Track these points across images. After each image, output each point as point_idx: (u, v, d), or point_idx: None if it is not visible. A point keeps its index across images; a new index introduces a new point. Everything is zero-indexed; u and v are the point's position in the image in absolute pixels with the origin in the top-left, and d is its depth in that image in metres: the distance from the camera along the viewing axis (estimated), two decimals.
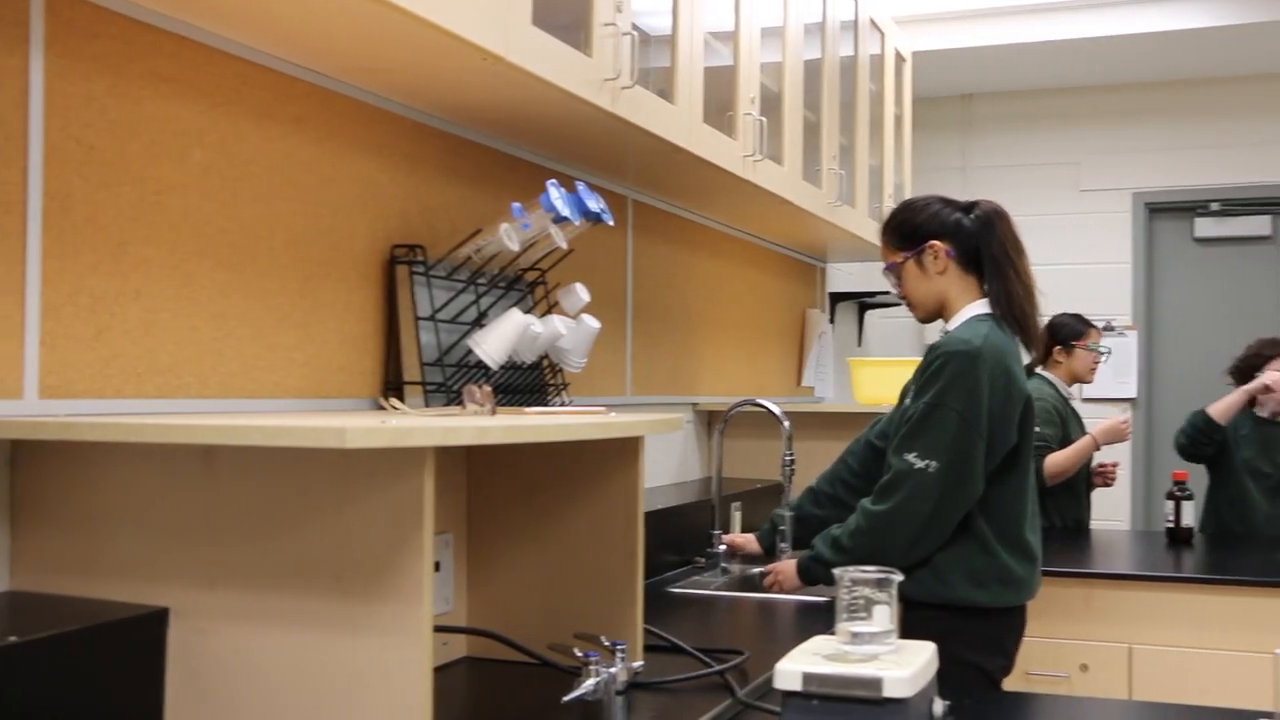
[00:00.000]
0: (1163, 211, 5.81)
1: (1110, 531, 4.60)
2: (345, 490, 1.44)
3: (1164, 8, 4.90)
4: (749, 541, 3.00)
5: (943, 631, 2.43)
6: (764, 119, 3.13)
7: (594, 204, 2.25)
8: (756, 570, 2.86)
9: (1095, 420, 4.19)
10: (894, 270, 2.62)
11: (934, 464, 2.38)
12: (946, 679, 2.14)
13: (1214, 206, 5.71)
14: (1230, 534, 4.37)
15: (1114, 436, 4.14)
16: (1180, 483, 4.23)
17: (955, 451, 2.39)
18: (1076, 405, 4.35)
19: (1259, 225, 5.67)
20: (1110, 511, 5.05)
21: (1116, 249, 5.80)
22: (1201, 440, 4.33)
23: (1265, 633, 3.33)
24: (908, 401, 2.53)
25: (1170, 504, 4.22)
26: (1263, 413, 4.35)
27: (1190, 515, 4.20)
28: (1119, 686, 3.46)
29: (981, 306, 2.55)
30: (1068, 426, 4.18)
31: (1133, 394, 5.72)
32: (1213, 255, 5.77)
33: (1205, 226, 5.74)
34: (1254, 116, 5.61)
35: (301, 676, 1.45)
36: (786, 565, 2.67)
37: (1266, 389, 4.21)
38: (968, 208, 2.56)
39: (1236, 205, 5.69)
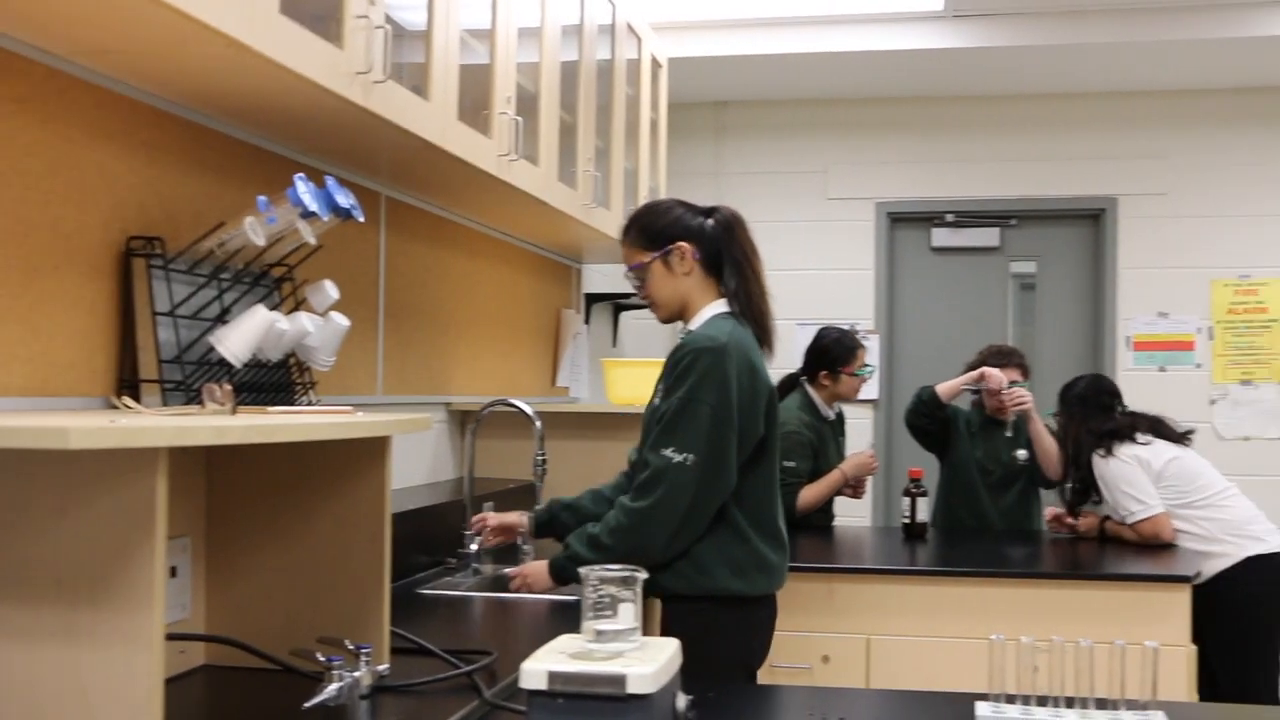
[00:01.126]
0: (903, 221, 6.10)
1: (852, 527, 4.79)
2: (70, 494, 1.36)
3: (906, 28, 5.14)
4: (519, 521, 2.92)
5: (705, 624, 2.49)
6: (520, 119, 3.13)
7: (344, 199, 2.21)
8: (506, 570, 2.83)
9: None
10: (640, 270, 2.65)
11: (691, 457, 2.44)
12: (708, 672, 2.19)
13: (949, 217, 6.02)
14: (961, 528, 4.61)
15: (862, 470, 4.37)
16: (916, 480, 4.44)
17: (711, 444, 2.45)
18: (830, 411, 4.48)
19: (989, 236, 6.02)
20: (852, 508, 5.26)
21: (861, 256, 6.05)
22: (923, 412, 4.54)
23: (988, 619, 3.54)
24: (658, 400, 2.57)
25: (906, 500, 4.43)
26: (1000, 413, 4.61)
27: (925, 510, 4.42)
28: (857, 676, 3.61)
29: (721, 305, 2.63)
30: (820, 456, 4.33)
31: (874, 395, 5.98)
32: (948, 263, 6.08)
33: (941, 236, 6.05)
34: (986, 134, 5.95)
35: (22, 692, 1.37)
36: (536, 566, 2.65)
37: (982, 377, 4.45)
38: (708, 212, 2.65)
39: (969, 217, 6.02)
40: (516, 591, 2.70)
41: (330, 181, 2.20)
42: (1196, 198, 5.80)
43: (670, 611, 2.54)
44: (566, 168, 3.66)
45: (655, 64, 4.85)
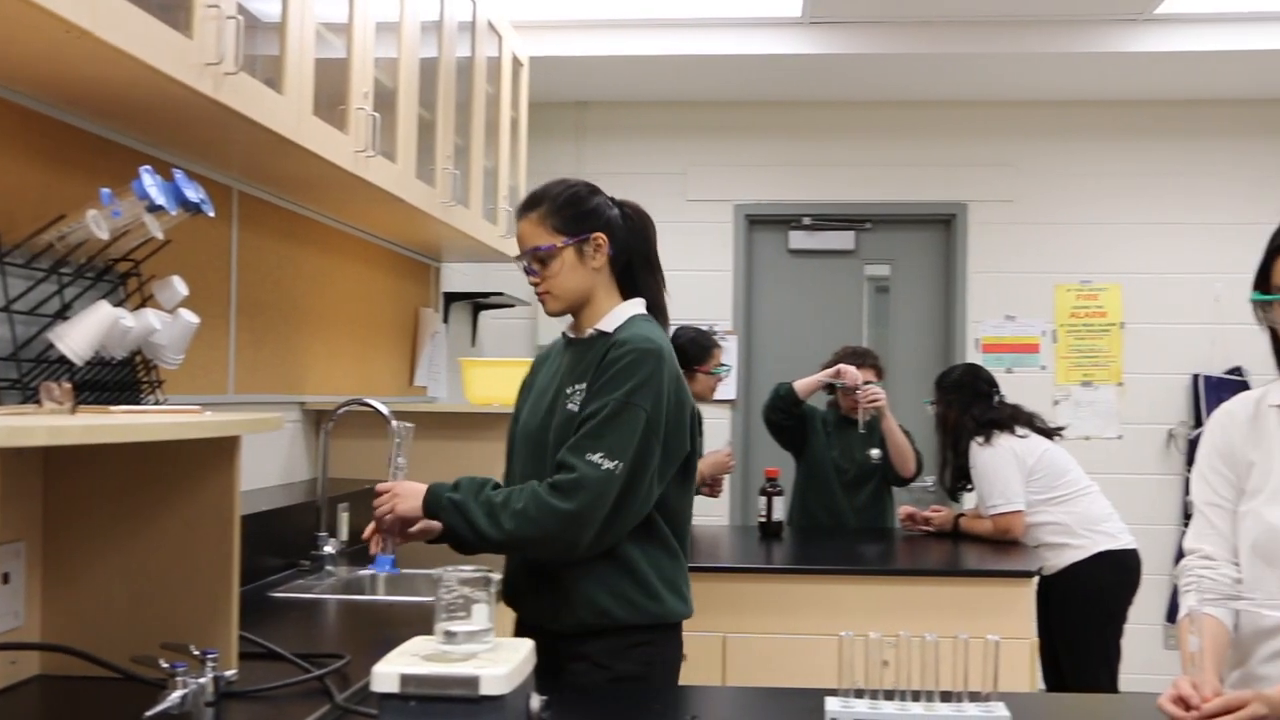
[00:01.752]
0: (761, 223, 6.18)
1: (709, 526, 4.84)
2: None
3: (765, 33, 5.21)
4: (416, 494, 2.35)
5: (651, 656, 2.32)
6: (377, 115, 3.09)
7: (193, 193, 2.15)
8: (378, 485, 2.38)
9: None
10: (546, 254, 2.36)
11: (620, 465, 2.22)
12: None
13: (806, 221, 6.12)
14: (817, 526, 4.70)
15: (719, 470, 4.44)
16: (772, 479, 4.51)
17: (639, 454, 2.24)
18: None
19: (844, 239, 6.13)
20: (709, 507, 5.31)
21: (719, 257, 6.11)
22: (781, 408, 4.62)
23: (842, 616, 3.61)
24: (577, 398, 2.32)
25: (763, 499, 4.50)
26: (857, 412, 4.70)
27: (780, 510, 4.49)
28: (714, 674, 3.65)
29: (639, 307, 2.44)
30: None
31: (732, 395, 6.04)
32: (805, 266, 6.18)
33: (798, 239, 6.15)
34: (843, 140, 6.06)
35: None
36: (411, 487, 2.33)
37: (839, 373, 4.54)
38: (618, 205, 2.48)
39: (826, 220, 6.12)
40: (378, 511, 2.34)
41: (179, 175, 2.14)
42: (1041, 205, 6.00)
43: (610, 646, 2.29)
44: (425, 165, 3.62)
45: (516, 62, 4.83)
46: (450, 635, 1.58)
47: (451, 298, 5.29)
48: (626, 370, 2.28)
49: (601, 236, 2.40)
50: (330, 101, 2.88)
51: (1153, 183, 5.96)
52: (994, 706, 1.68)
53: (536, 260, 2.39)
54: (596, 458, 2.22)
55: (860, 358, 4.65)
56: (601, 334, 2.39)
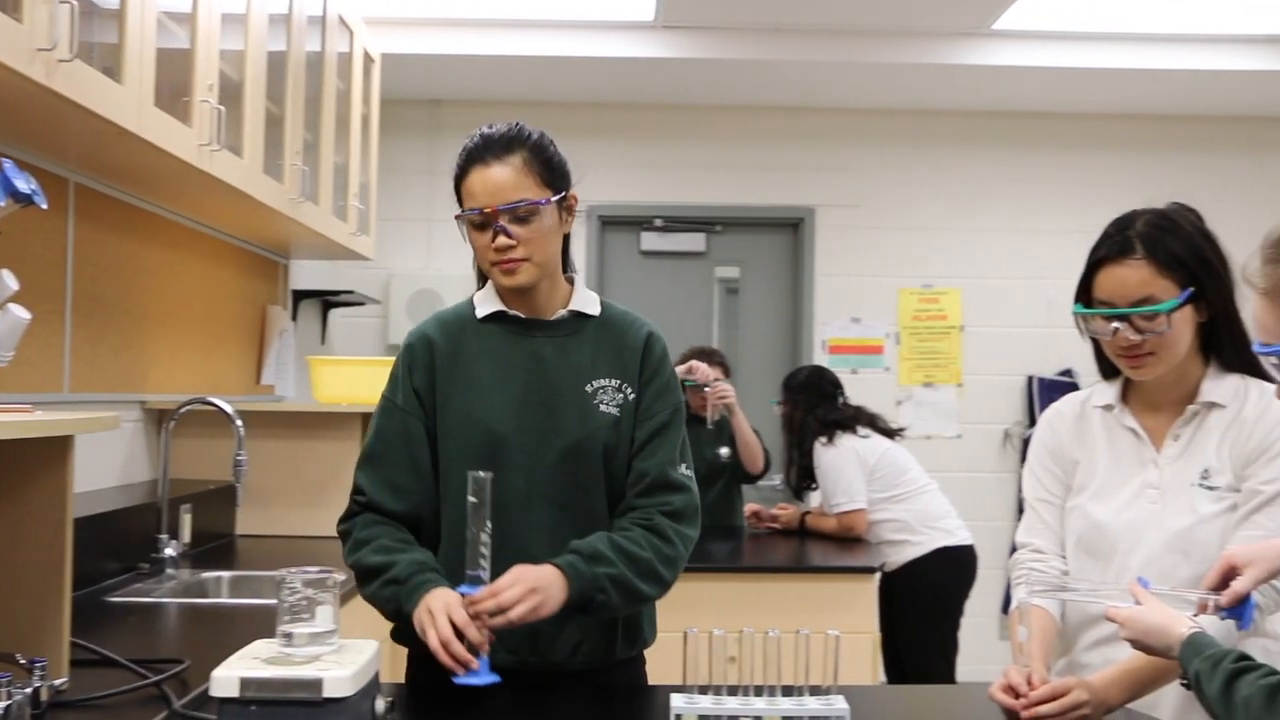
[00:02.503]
0: (613, 224, 6.21)
1: None
2: None
3: (618, 35, 5.24)
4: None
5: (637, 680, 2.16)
6: (223, 108, 3.02)
7: (24, 185, 2.07)
8: (480, 587, 1.84)
9: None
10: (531, 210, 1.97)
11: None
12: None
13: (658, 222, 6.17)
14: None
15: None
16: None
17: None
18: None
19: (695, 241, 6.20)
20: None
21: (574, 258, 6.11)
22: None
23: (688, 613, 3.64)
24: (603, 396, 2.04)
25: None
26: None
27: None
28: None
29: (588, 289, 2.16)
30: None
31: None
32: (656, 267, 6.23)
33: (650, 240, 6.20)
34: (694, 143, 6.12)
35: None
36: (545, 577, 1.85)
37: (691, 370, 4.59)
38: None
39: (677, 222, 6.18)
40: (512, 616, 1.81)
41: (8, 165, 2.06)
42: (886, 211, 6.15)
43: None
44: (273, 160, 3.55)
45: (368, 59, 4.77)
46: (295, 637, 1.56)
47: (300, 295, 5.20)
48: (669, 364, 2.11)
49: (575, 197, 2.08)
50: (173, 93, 2.81)
51: (991, 190, 6.16)
52: (833, 699, 1.73)
53: (516, 218, 1.96)
54: (687, 470, 2.06)
55: (708, 356, 4.71)
56: (580, 315, 2.09)
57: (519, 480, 1.98)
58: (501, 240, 1.96)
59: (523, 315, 2.06)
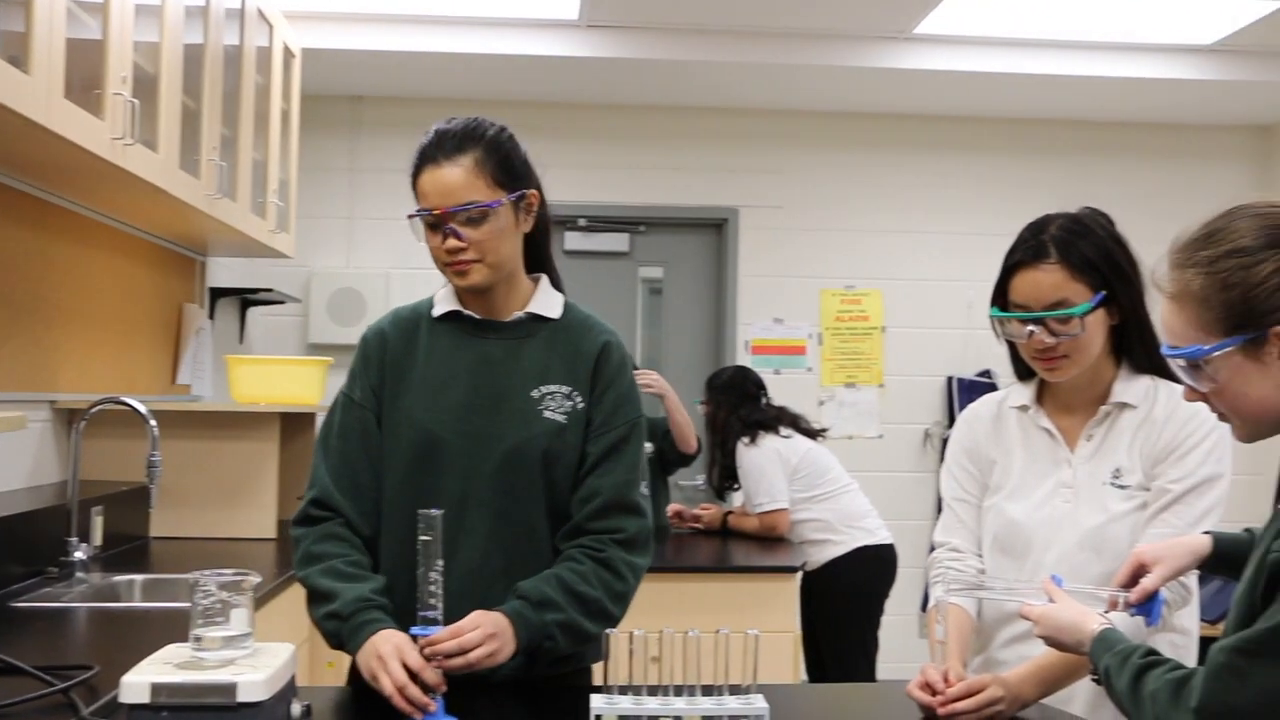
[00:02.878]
0: None
1: None
2: None
3: (542, 34, 5.21)
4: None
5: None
6: (137, 101, 2.96)
7: None
8: (433, 632, 1.78)
9: None
10: (481, 214, 1.93)
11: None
12: None
13: (581, 222, 6.16)
14: None
15: None
16: None
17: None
18: None
19: (619, 242, 6.20)
20: None
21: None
22: None
23: None
24: (550, 403, 1.98)
25: None
26: None
27: None
28: None
29: (549, 285, 2.11)
30: None
31: None
32: (580, 267, 6.21)
33: (574, 240, 6.18)
34: (619, 143, 6.12)
35: None
36: (496, 623, 1.82)
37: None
38: None
39: (601, 222, 6.18)
40: (469, 660, 1.78)
41: None
42: (809, 212, 6.19)
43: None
44: (189, 156, 3.49)
45: (288, 53, 4.70)
46: (206, 641, 1.53)
47: (218, 293, 5.12)
48: (629, 376, 2.05)
49: (536, 195, 2.04)
50: (85, 85, 2.74)
51: (912, 193, 6.23)
52: (753, 699, 1.73)
53: (467, 220, 1.94)
54: (645, 490, 2.01)
55: None
56: (537, 317, 2.05)
57: (455, 484, 1.95)
58: (452, 243, 1.93)
59: (477, 316, 2.04)
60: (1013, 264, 2.04)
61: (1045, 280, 1.99)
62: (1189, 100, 5.78)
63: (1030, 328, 2.01)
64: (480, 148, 1.96)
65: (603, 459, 1.98)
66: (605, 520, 1.95)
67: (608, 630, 1.73)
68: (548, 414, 1.97)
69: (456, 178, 1.93)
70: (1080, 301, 1.98)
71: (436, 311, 2.07)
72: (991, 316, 2.08)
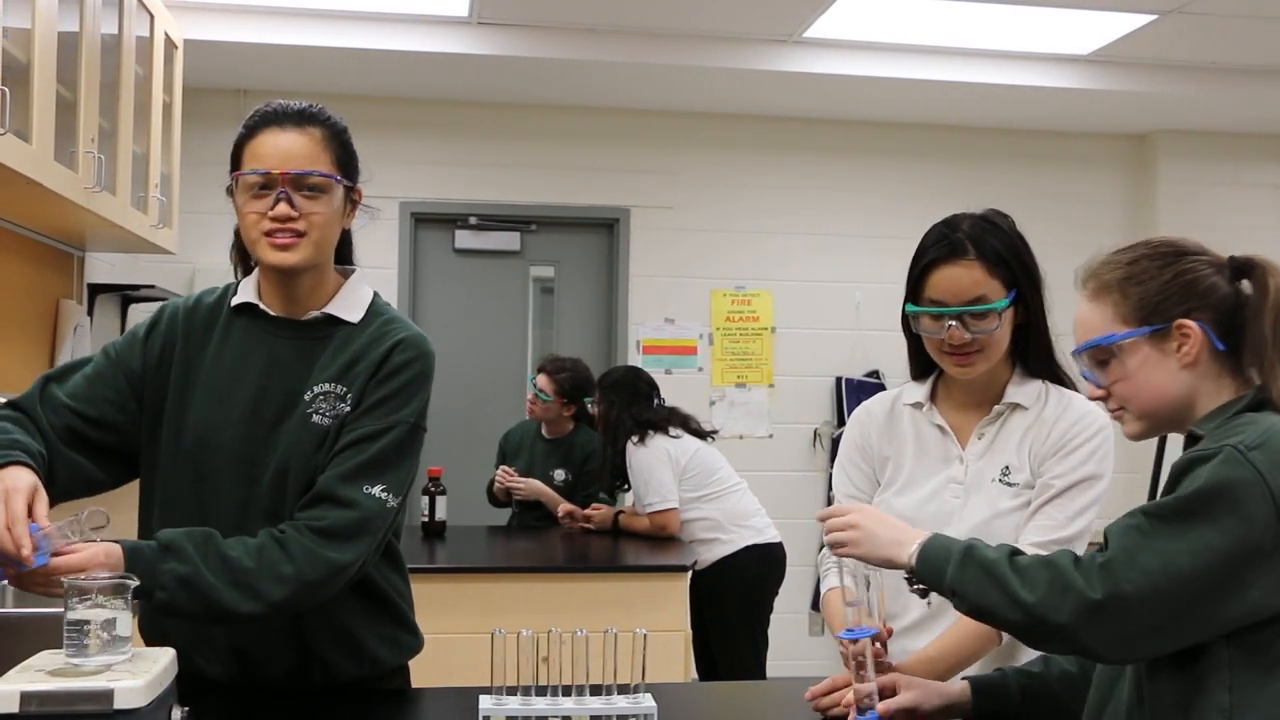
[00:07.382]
0: (427, 221, 6.13)
1: None
2: None
3: (432, 30, 5.16)
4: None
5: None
6: (8, 90, 2.86)
7: None
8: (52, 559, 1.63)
9: None
10: (322, 185, 1.88)
11: (398, 501, 1.87)
12: None
13: (472, 220, 6.12)
14: (480, 526, 4.72)
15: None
16: (435, 479, 4.48)
17: (411, 480, 1.92)
18: None
19: (510, 240, 6.17)
20: None
21: (384, 255, 6.00)
22: None
23: (501, 614, 3.63)
24: (320, 405, 1.88)
25: (425, 499, 4.46)
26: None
27: (444, 509, 4.47)
28: None
29: (365, 283, 2.03)
30: None
31: None
32: (471, 265, 6.18)
33: (464, 238, 6.14)
34: (510, 141, 6.08)
35: None
36: (111, 552, 1.66)
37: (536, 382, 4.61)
38: None
39: (492, 221, 6.14)
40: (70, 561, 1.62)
41: None
42: (700, 213, 6.23)
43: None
44: (65, 148, 3.38)
45: (170, 44, 4.59)
46: (82, 647, 1.48)
47: (97, 289, 4.97)
48: (415, 383, 1.90)
49: (361, 192, 1.97)
50: None
51: (802, 195, 6.30)
52: (641, 698, 1.73)
53: (308, 188, 1.85)
54: (378, 491, 1.82)
55: (550, 366, 4.83)
56: (335, 320, 1.94)
57: (236, 492, 1.87)
58: (282, 209, 1.84)
59: (273, 312, 1.94)
60: (930, 260, 2.06)
61: (965, 277, 2.03)
62: (1068, 108, 5.94)
63: (950, 323, 2.03)
64: (325, 129, 1.91)
65: (339, 452, 1.85)
66: (309, 509, 1.81)
67: (496, 630, 1.71)
68: (315, 418, 1.87)
69: (302, 145, 1.87)
70: (997, 298, 2.03)
71: (235, 301, 1.98)
72: (907, 312, 2.10)
